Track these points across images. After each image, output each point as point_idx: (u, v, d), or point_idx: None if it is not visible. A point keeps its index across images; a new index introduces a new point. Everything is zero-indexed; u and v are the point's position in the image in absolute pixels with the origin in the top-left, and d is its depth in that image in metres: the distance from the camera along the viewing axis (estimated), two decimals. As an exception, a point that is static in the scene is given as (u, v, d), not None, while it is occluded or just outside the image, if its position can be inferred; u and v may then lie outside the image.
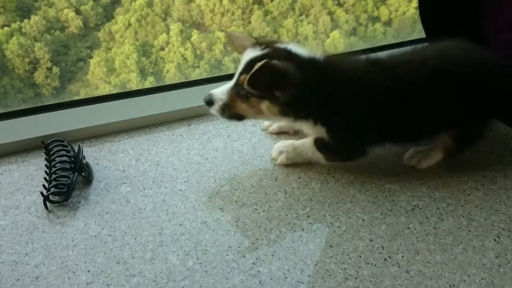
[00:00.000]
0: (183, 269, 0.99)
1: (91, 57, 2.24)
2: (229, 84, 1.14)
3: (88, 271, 0.98)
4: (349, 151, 1.22)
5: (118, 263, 1.00)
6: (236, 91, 1.12)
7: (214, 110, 1.14)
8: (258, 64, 1.02)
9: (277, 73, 1.03)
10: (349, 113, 1.14)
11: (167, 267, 0.99)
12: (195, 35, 2.42)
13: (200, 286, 0.95)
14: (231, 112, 1.14)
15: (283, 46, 1.12)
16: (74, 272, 0.98)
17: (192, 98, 1.47)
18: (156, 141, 1.35)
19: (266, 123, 1.40)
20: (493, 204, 1.15)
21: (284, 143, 1.27)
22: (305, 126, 1.18)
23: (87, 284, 0.95)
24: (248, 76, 1.03)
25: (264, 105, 1.11)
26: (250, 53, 1.11)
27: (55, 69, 2.13)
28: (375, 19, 2.62)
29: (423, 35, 1.53)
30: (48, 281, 0.96)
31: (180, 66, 2.42)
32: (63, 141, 1.25)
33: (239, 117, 1.16)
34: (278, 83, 1.06)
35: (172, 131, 1.39)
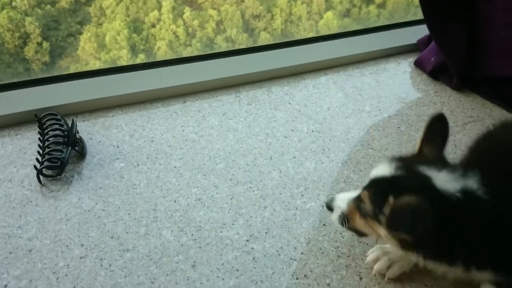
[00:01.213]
0: (177, 245, 0.99)
1: (81, 33, 2.21)
2: (354, 193, 0.93)
3: (82, 245, 0.98)
4: None
5: (112, 237, 1.00)
6: (357, 204, 0.91)
7: (333, 218, 0.95)
8: (390, 201, 0.81)
9: (411, 215, 0.77)
10: None
11: (161, 243, 0.99)
12: (187, 13, 2.39)
13: (194, 262, 0.96)
14: (349, 225, 0.93)
15: (421, 169, 0.83)
16: (67, 246, 0.98)
17: (188, 75, 1.46)
18: (151, 117, 1.34)
19: (372, 255, 0.99)
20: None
21: (378, 248, 0.98)
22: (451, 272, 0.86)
23: (81, 258, 0.95)
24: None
25: (382, 230, 0.85)
26: (380, 168, 0.88)
27: (45, 44, 2.10)
28: (369, 1, 2.61)
29: (416, 17, 1.52)
30: (42, 254, 0.96)
31: (171, 44, 2.39)
32: (56, 115, 1.24)
33: (359, 233, 0.94)
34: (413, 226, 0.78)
35: (167, 108, 1.38)
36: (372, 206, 0.85)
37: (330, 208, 0.96)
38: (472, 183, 0.81)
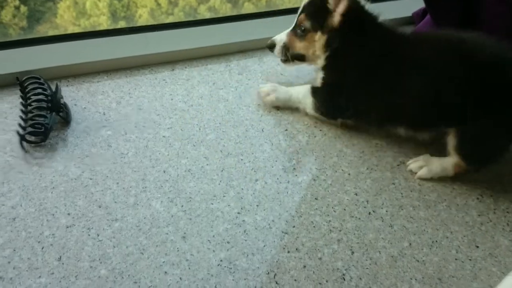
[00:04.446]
0: (167, 215, 0.96)
1: (60, -1, 2.12)
2: (287, 30, 1.27)
3: (68, 214, 0.95)
4: (331, 106, 1.21)
5: (99, 207, 0.97)
6: (294, 32, 1.25)
7: (276, 52, 1.28)
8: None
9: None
10: (357, 74, 1.16)
11: (151, 213, 0.97)
12: (169, -20, 2.32)
13: (184, 233, 0.93)
14: (290, 52, 1.26)
15: None
16: (53, 215, 0.94)
17: (176, 41, 1.41)
18: (138, 85, 1.29)
19: (265, 88, 1.28)
20: (475, 164, 1.16)
21: (271, 84, 1.28)
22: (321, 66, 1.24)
23: (67, 227, 0.92)
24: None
25: (317, 36, 1.20)
26: None
27: (23, 9, 2.01)
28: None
29: None
30: (26, 223, 0.92)
31: (153, 12, 2.32)
32: (39, 79, 1.18)
33: (299, 57, 1.27)
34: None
35: (155, 75, 1.33)
36: (311, 20, 1.20)
37: (272, 45, 1.28)
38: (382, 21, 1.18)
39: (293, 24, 1.26)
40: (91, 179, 1.02)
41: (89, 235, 0.91)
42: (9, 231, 0.90)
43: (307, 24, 1.21)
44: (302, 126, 1.22)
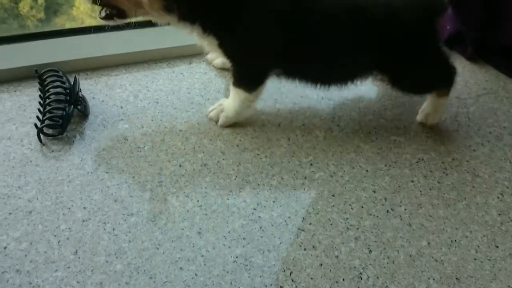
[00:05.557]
0: (183, 210, 0.96)
1: (77, -11, 2.13)
2: None
3: (84, 208, 0.95)
4: (248, 73, 1.12)
5: (115, 201, 0.97)
6: None
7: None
8: None
9: None
10: (250, 26, 1.02)
11: (166, 208, 0.96)
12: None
13: (200, 229, 0.93)
14: (107, 2, 0.98)
15: None
16: (69, 209, 0.95)
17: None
18: (155, 78, 1.29)
19: (209, 55, 1.31)
20: (498, 161, 1.14)
21: (217, 104, 1.18)
22: (195, 34, 1.05)
23: (83, 221, 0.93)
24: None
25: None
26: None
27: (41, 0, 2.02)
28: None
29: None
30: (42, 216, 0.93)
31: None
32: (58, 72, 1.18)
33: (119, 14, 1.00)
34: None
35: (172, 69, 1.33)
36: None
37: None
38: None
39: None
40: (107, 172, 1.02)
41: (105, 229, 0.91)
42: (26, 224, 0.91)
43: None
44: (319, 121, 1.20)
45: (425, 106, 1.22)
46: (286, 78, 1.15)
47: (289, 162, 1.09)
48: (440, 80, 1.19)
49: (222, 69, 1.33)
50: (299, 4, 1.02)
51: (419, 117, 1.22)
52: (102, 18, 1.01)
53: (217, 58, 1.33)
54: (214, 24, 1.02)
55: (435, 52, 1.15)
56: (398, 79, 1.15)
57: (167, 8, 0.97)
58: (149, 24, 1.42)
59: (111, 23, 1.03)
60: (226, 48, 1.06)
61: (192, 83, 1.28)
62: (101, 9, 1.00)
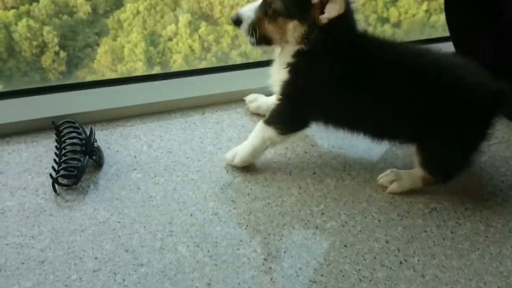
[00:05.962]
0: (193, 261, 0.96)
1: (98, 44, 2.21)
2: (256, 3, 1.08)
3: (96, 258, 0.95)
4: (288, 117, 1.16)
5: (126, 251, 0.97)
6: (264, 10, 1.06)
7: (242, 29, 1.08)
8: None
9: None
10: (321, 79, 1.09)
11: (177, 258, 0.96)
12: (203, 27, 2.39)
13: (210, 280, 0.92)
14: (258, 33, 1.07)
15: None
16: (81, 259, 0.95)
17: (207, 86, 1.44)
18: (169, 128, 1.32)
19: (249, 97, 1.37)
20: (511, 210, 1.12)
21: (233, 150, 1.20)
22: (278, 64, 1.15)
23: (94, 271, 0.93)
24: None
25: (292, 25, 1.04)
26: None
27: (63, 54, 2.10)
28: (384, 20, 2.58)
29: (431, 37, 1.50)
30: (54, 266, 0.93)
31: (187, 58, 2.39)
32: (74, 123, 1.22)
33: (267, 41, 1.10)
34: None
35: (186, 119, 1.36)
36: (283, 2, 1.02)
37: (238, 21, 1.08)
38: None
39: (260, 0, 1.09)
40: (119, 222, 1.03)
41: (115, 280, 0.91)
42: (38, 274, 0.92)
43: (278, 4, 1.03)
44: (330, 169, 1.20)
45: (396, 172, 1.18)
46: (335, 127, 1.18)
47: (300, 211, 1.09)
48: (461, 170, 1.16)
49: (255, 114, 1.38)
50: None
51: (383, 180, 1.17)
52: (252, 44, 1.11)
53: (255, 101, 1.37)
54: (308, 62, 1.09)
55: (478, 142, 1.12)
56: (434, 154, 1.12)
57: (306, 35, 1.04)
58: (164, 76, 1.48)
59: (258, 49, 1.14)
60: (289, 85, 1.11)
61: (205, 133, 1.31)
62: (250, 37, 1.10)
